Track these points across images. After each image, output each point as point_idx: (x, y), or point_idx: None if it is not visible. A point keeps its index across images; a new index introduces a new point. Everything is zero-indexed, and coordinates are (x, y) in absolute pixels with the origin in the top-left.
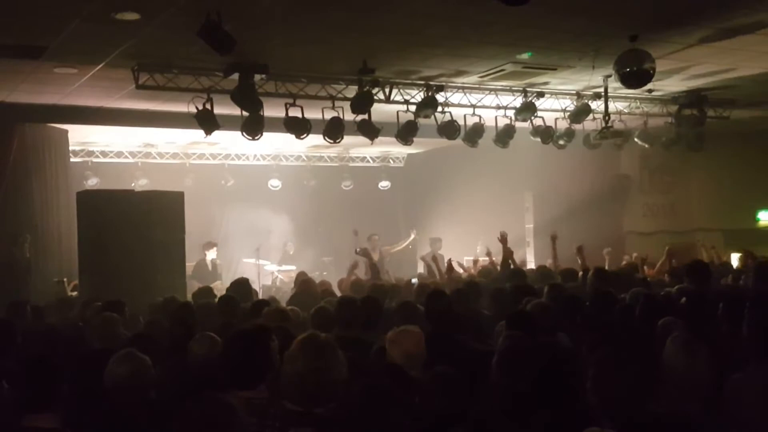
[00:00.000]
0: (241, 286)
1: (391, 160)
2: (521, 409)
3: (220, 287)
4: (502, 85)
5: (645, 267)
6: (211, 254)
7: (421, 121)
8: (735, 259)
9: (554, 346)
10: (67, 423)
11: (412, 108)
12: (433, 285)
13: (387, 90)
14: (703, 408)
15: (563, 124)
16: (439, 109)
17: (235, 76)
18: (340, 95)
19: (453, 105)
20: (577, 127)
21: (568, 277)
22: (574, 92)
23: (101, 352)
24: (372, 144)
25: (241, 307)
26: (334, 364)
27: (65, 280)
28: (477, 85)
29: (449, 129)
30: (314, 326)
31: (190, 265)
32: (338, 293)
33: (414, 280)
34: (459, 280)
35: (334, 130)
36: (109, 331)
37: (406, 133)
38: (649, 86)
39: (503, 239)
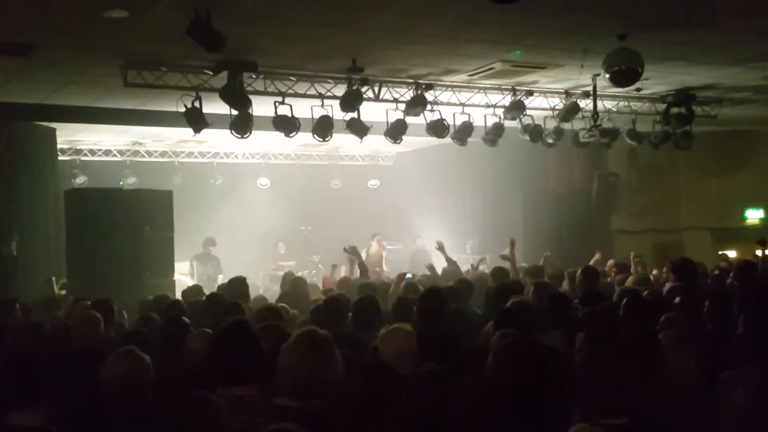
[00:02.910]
0: (239, 284)
1: (380, 159)
2: (514, 406)
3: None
4: (491, 84)
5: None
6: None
7: (410, 119)
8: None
9: (547, 343)
10: (51, 421)
11: (402, 106)
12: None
13: (376, 88)
14: (692, 405)
15: (552, 123)
16: (428, 107)
17: (224, 74)
18: (329, 93)
19: (442, 103)
20: (565, 125)
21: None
22: (563, 91)
23: (87, 350)
24: (361, 142)
25: (224, 306)
26: (331, 360)
27: (53, 278)
28: (466, 84)
29: (438, 127)
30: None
31: (178, 264)
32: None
33: (408, 275)
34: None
35: (323, 129)
36: (92, 330)
37: (395, 131)
38: (637, 85)
39: (512, 246)
